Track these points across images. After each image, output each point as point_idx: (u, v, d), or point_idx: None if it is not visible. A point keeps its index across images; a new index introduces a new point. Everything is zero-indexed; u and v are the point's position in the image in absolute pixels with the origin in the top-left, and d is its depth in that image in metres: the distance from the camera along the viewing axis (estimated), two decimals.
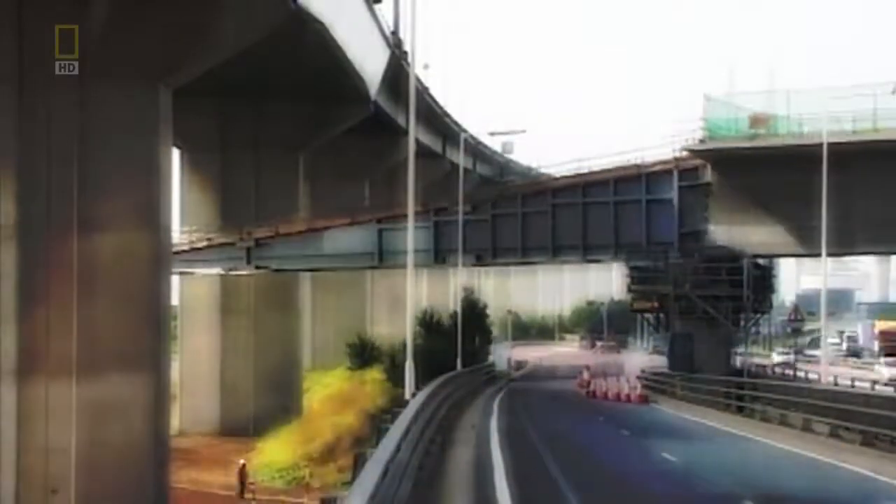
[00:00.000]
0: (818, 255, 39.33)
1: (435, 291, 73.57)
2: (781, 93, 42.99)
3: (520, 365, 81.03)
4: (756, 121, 42.45)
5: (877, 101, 40.51)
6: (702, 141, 43.14)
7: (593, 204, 45.58)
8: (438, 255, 47.40)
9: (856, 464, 21.46)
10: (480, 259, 47.54)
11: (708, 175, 44.10)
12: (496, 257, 47.00)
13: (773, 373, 53.08)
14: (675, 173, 44.65)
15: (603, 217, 45.48)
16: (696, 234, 44.56)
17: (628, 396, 46.59)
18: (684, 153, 44.07)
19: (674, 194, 44.59)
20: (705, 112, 43.06)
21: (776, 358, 67.74)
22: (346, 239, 47.61)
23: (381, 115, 53.30)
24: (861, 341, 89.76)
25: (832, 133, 38.73)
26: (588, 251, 46.79)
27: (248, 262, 48.21)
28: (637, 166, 45.65)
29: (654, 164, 45.33)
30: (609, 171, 46.01)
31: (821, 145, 37.59)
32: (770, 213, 42.55)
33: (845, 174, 39.52)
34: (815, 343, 76.05)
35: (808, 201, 37.74)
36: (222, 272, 49.23)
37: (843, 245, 41.81)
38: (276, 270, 49.01)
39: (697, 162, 44.34)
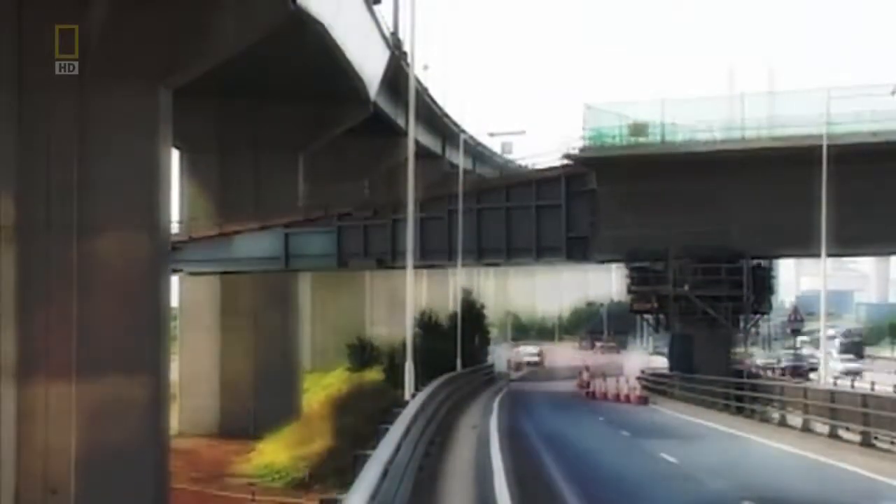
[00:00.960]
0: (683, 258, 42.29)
1: (434, 292, 73.54)
2: (671, 101, 44.73)
3: (519, 366, 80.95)
4: (636, 129, 44.04)
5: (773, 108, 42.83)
6: (581, 149, 44.62)
7: (487, 209, 46.93)
8: (341, 260, 48.28)
9: (855, 464, 21.46)
10: (381, 263, 48.46)
11: (594, 182, 45.29)
12: (395, 260, 47.69)
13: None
14: (563, 180, 46.00)
15: (496, 222, 46.75)
16: (583, 239, 45.90)
17: (628, 397, 46.56)
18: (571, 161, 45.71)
19: (562, 200, 45.93)
20: (586, 121, 44.56)
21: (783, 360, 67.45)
22: (255, 243, 48.29)
23: (380, 115, 53.31)
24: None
25: (697, 142, 42.43)
26: (482, 255, 48.11)
27: None
28: (529, 172, 48.22)
29: (545, 170, 47.30)
30: (501, 178, 49.11)
31: (689, 153, 40.95)
32: (649, 219, 43.49)
33: (709, 181, 42.24)
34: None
35: (685, 206, 40.72)
36: None
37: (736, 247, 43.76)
38: (191, 274, 49.74)
39: (585, 169, 45.64)
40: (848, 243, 41.94)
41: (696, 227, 42.73)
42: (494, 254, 47.58)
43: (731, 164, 42.12)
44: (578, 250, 46.58)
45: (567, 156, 45.33)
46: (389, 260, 47.63)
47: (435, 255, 47.21)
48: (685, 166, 42.48)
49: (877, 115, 41.34)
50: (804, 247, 41.06)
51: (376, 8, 48.50)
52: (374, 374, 53.85)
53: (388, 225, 47.12)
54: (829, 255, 39.37)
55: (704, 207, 42.72)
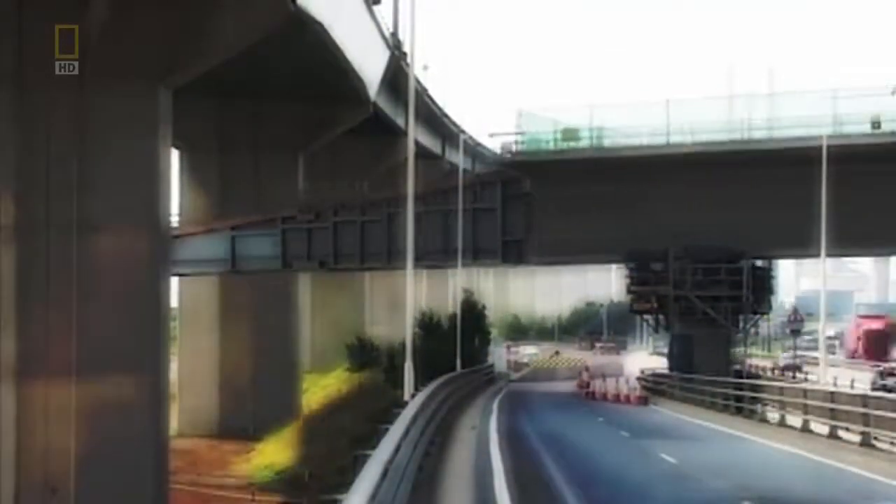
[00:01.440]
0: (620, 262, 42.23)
1: (434, 292, 73.50)
2: (603, 107, 45.81)
3: (519, 366, 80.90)
4: (567, 134, 45.33)
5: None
6: (513, 154, 45.65)
7: (426, 213, 47.16)
8: (286, 262, 48.67)
9: (855, 464, 21.47)
10: (323, 265, 48.95)
11: (528, 186, 46.26)
12: (337, 263, 48.55)
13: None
14: (500, 184, 46.95)
15: (435, 224, 47.39)
16: (518, 242, 46.70)
17: (627, 397, 46.57)
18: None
19: (497, 204, 46.84)
20: (519, 126, 45.66)
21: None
22: (203, 245, 48.58)
23: (380, 116, 53.27)
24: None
25: (624, 147, 43.84)
26: (422, 256, 47.06)
27: None
28: (468, 177, 48.85)
29: (483, 175, 49.08)
30: (442, 181, 49.86)
31: (617, 158, 42.38)
32: (581, 222, 44.41)
33: (640, 184, 43.36)
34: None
35: (617, 209, 42.08)
36: None
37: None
38: None
39: (520, 173, 46.65)
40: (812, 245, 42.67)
41: (628, 229, 43.75)
42: (434, 255, 48.06)
43: (661, 168, 43.24)
44: (513, 253, 47.45)
45: (500, 161, 46.73)
46: (331, 262, 48.46)
47: (347, 259, 48.45)
48: (616, 170, 43.37)
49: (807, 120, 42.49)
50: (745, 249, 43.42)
51: (376, 8, 48.47)
52: (373, 375, 53.82)
53: (329, 228, 47.99)
54: (785, 256, 40.26)
55: (635, 210, 43.78)
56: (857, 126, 42.86)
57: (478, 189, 47.59)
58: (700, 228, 43.16)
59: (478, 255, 47.82)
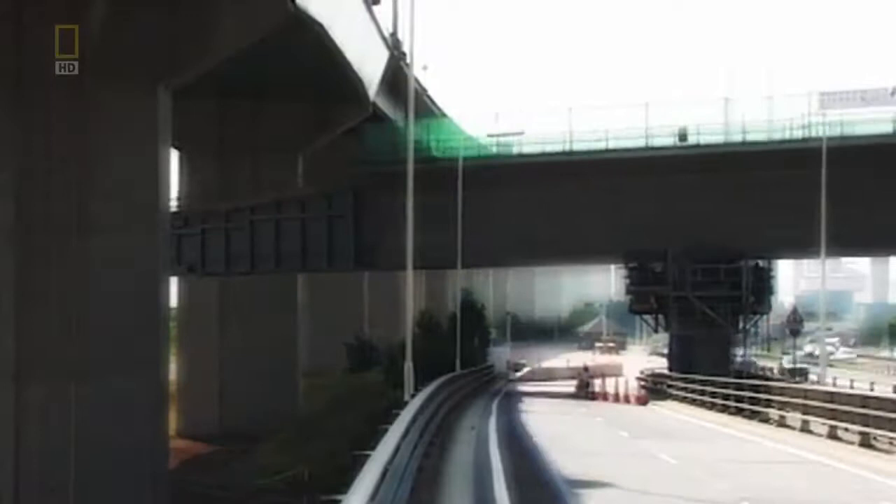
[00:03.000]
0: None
1: (433, 293, 73.48)
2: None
3: (518, 367, 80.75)
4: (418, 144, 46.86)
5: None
6: (361, 163, 47.92)
7: (285, 220, 49.15)
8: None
9: (855, 464, 21.49)
10: (192, 270, 49.85)
11: (382, 194, 46.99)
12: (205, 268, 49.61)
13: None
14: (352, 192, 48.52)
15: (293, 232, 48.89)
16: (370, 248, 48.11)
17: (627, 398, 46.58)
18: None
19: (351, 211, 48.57)
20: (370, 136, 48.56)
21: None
22: None
23: (380, 116, 53.23)
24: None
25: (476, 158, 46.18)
26: (279, 262, 49.89)
27: None
28: (325, 185, 50.04)
29: (340, 183, 49.59)
30: (301, 189, 50.79)
31: (470, 167, 44.26)
32: (432, 229, 44.24)
33: (486, 194, 45.38)
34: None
35: (463, 218, 43.44)
36: None
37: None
38: None
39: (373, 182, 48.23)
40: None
41: (472, 238, 44.62)
42: (290, 260, 49.39)
43: (510, 177, 45.74)
44: (366, 258, 48.69)
45: (352, 171, 48.35)
46: (200, 268, 49.36)
47: (214, 264, 49.39)
48: (465, 180, 44.28)
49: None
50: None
51: (375, 8, 48.46)
52: (373, 375, 53.77)
53: (197, 235, 48.83)
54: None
55: (480, 218, 44.83)
56: (664, 139, 44.95)
57: (333, 197, 49.14)
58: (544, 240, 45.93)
59: (332, 260, 49.23)
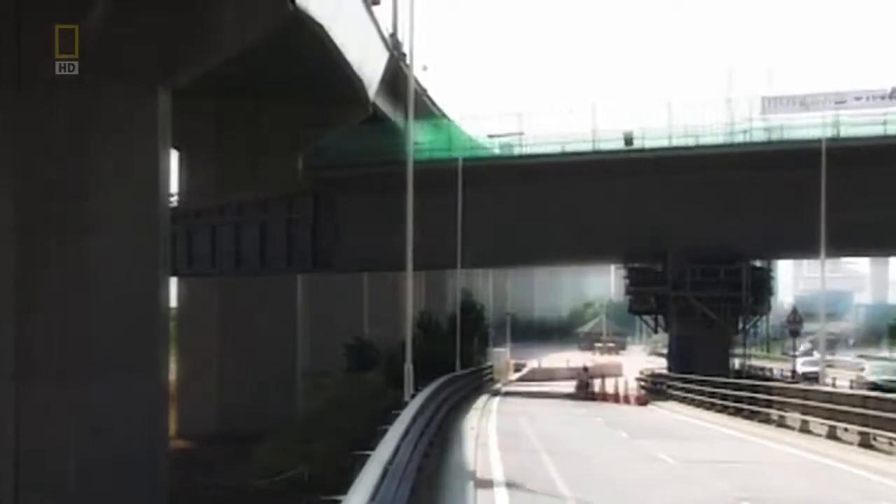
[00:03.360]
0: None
1: (433, 293, 73.48)
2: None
3: (518, 367, 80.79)
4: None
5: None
6: (316, 168, 48.90)
7: (244, 224, 49.81)
8: None
9: (854, 464, 21.50)
10: (175, 273, 50.14)
11: (338, 197, 48.94)
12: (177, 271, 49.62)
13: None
14: (313, 196, 49.26)
15: (250, 236, 49.66)
16: (327, 250, 48.95)
17: (627, 398, 46.59)
18: None
19: (310, 214, 49.30)
20: (326, 140, 49.08)
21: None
22: None
23: (379, 116, 53.23)
24: None
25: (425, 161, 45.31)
26: (239, 264, 50.74)
27: None
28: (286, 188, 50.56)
29: (300, 186, 50.31)
30: (261, 194, 50.70)
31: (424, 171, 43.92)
32: (384, 233, 45.07)
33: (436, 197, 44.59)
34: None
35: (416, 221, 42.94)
36: None
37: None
38: None
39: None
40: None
41: (426, 240, 44.38)
42: (249, 263, 49.96)
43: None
44: (324, 260, 49.28)
45: (310, 175, 49.16)
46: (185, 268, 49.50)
47: (201, 263, 50.00)
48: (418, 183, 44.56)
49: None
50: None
51: (375, 8, 48.49)
52: (372, 375, 53.80)
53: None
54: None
55: (433, 221, 44.44)
56: (611, 143, 45.95)
57: (295, 200, 49.76)
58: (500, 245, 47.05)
59: (291, 263, 49.94)
